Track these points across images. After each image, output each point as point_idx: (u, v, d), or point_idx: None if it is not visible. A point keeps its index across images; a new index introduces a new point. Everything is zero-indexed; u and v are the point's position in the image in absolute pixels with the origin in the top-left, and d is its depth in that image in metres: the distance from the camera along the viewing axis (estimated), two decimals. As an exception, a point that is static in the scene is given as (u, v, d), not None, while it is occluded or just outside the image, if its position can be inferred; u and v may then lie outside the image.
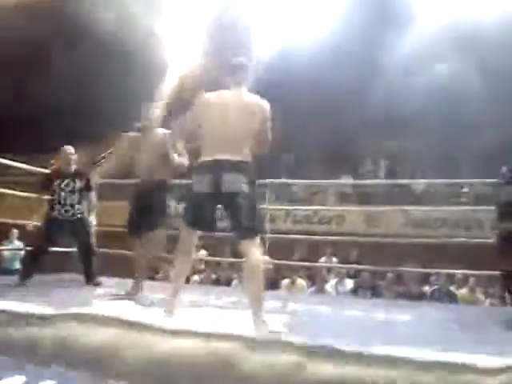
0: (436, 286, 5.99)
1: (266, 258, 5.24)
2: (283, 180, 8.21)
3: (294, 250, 7.91)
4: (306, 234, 7.32)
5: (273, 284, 5.86)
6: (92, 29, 9.72)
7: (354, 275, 6.71)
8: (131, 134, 3.89)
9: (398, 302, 5.01)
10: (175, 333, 1.77)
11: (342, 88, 10.44)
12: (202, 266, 7.11)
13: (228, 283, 6.38)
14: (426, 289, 6.27)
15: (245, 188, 2.58)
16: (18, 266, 6.95)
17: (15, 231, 7.31)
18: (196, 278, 6.70)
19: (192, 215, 2.73)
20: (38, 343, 1.78)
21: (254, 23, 9.82)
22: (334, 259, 7.23)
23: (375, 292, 6.02)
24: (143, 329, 1.77)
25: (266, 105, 2.75)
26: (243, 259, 2.64)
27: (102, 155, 4.53)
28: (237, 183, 2.58)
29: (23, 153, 8.96)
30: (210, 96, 2.78)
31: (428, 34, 9.46)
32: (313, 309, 3.73)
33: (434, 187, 9.41)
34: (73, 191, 4.52)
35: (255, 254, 2.58)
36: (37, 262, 4.46)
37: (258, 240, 2.64)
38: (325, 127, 11.23)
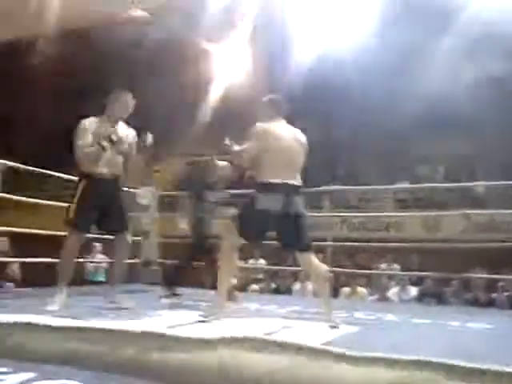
0: (507, 293, 5.71)
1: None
2: (339, 187, 8.10)
3: (353, 257, 7.78)
4: (364, 241, 7.16)
5: (332, 292, 5.75)
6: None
7: (416, 282, 6.50)
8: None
9: (468, 310, 4.81)
10: (365, 361, 1.49)
11: (389, 90, 10.24)
12: (261, 276, 7.08)
13: (288, 292, 6.31)
14: (495, 295, 5.99)
15: (305, 210, 2.98)
16: (101, 278, 7.08)
17: (97, 245, 7.16)
18: (255, 287, 6.68)
19: (254, 231, 3.00)
20: (203, 370, 1.58)
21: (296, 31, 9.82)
22: (396, 266, 7.03)
23: (441, 299, 5.81)
24: (327, 356, 1.52)
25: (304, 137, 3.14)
26: (303, 268, 3.19)
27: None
28: (301, 205, 2.95)
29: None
30: (269, 126, 3.02)
31: (475, 31, 9.15)
32: (381, 317, 3.62)
33: (495, 189, 9.01)
34: None
35: (317, 260, 3.03)
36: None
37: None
38: (375, 131, 11.04)
